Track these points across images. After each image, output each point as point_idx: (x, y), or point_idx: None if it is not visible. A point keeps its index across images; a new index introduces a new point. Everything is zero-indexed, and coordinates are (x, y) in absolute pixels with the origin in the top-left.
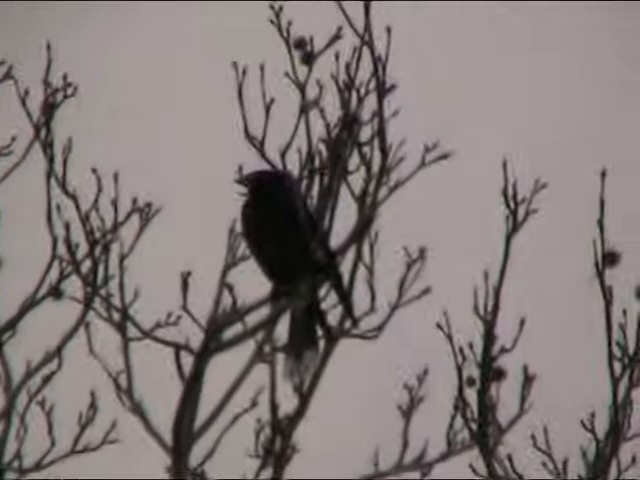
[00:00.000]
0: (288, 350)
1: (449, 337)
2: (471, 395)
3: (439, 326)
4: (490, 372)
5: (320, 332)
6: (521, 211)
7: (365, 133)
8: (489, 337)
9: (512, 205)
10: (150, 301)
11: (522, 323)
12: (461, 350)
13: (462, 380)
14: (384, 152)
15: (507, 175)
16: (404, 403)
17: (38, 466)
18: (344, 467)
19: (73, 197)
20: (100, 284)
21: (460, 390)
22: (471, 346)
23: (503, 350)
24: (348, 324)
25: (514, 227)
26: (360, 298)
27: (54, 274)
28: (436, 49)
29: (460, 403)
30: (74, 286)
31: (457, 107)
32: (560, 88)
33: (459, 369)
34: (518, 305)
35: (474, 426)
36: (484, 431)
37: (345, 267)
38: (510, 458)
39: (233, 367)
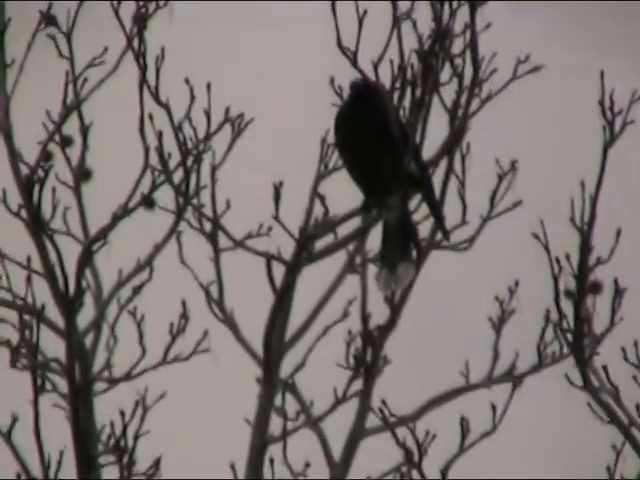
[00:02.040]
0: (382, 262)
1: (546, 247)
2: (567, 307)
3: (536, 236)
4: (586, 283)
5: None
6: (618, 122)
7: (457, 46)
8: (585, 248)
9: (609, 116)
10: (241, 212)
11: (618, 234)
12: (557, 260)
13: (559, 291)
14: (476, 64)
15: (604, 86)
16: (495, 315)
17: (128, 376)
18: (435, 379)
19: (166, 107)
20: (192, 194)
21: (557, 301)
22: (568, 257)
23: (599, 261)
24: (439, 236)
25: (611, 138)
26: (452, 210)
27: (146, 184)
28: None
29: (556, 314)
30: (166, 196)
31: (550, 19)
32: None
33: (555, 279)
34: (614, 216)
35: (570, 337)
36: (580, 342)
37: (437, 179)
38: (606, 369)
39: (324, 278)
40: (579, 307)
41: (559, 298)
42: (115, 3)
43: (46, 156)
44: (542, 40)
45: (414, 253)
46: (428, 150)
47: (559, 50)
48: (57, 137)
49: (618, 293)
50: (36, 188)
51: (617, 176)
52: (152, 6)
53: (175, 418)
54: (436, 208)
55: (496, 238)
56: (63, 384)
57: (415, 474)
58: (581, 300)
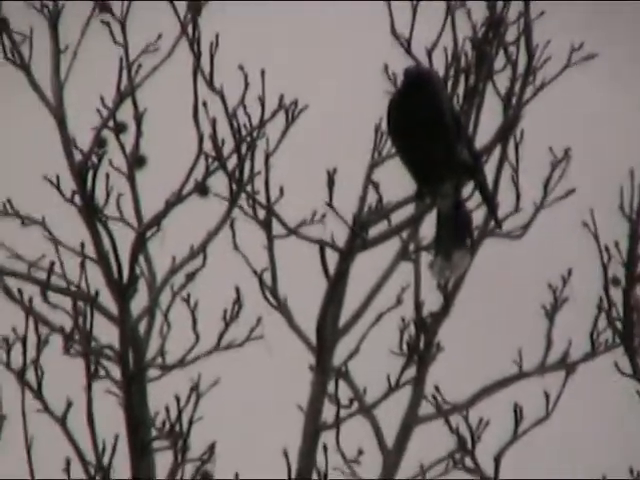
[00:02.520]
0: (436, 249)
1: (595, 236)
2: (616, 295)
3: (585, 224)
4: (635, 272)
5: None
6: None
7: (511, 33)
8: (634, 236)
9: None
10: (295, 199)
11: None
12: (607, 249)
13: (608, 279)
14: (530, 52)
15: None
16: (548, 303)
17: (182, 362)
18: (487, 367)
19: (220, 94)
20: (246, 181)
21: (606, 289)
22: (617, 245)
23: None
24: (492, 224)
25: None
26: (505, 198)
27: (200, 171)
28: None
29: (605, 302)
30: (220, 183)
31: (605, 5)
32: None
33: (604, 268)
34: None
35: (619, 326)
36: (629, 330)
37: (490, 167)
38: None
39: (378, 265)
40: (628, 296)
41: (608, 287)
42: None
43: (100, 142)
44: (594, 30)
45: (468, 241)
46: (482, 138)
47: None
48: (111, 123)
49: None
50: (90, 174)
51: None
52: None
53: (228, 405)
54: (489, 196)
55: (550, 226)
56: (116, 371)
57: (468, 461)
58: (630, 289)
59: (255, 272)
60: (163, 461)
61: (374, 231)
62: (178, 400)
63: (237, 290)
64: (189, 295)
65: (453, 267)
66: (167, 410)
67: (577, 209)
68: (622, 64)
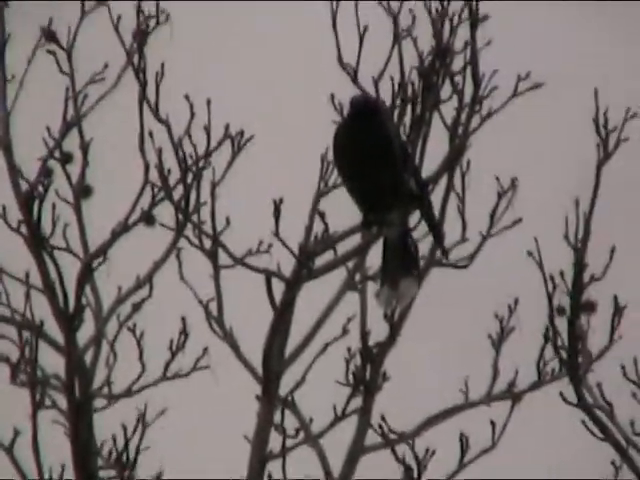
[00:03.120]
0: (383, 279)
1: (540, 265)
2: (562, 324)
3: (530, 254)
4: (581, 303)
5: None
6: (612, 139)
7: (458, 63)
8: (580, 265)
9: (603, 133)
10: (241, 229)
11: (612, 252)
12: (552, 278)
13: (553, 308)
14: (476, 82)
15: (598, 103)
16: (494, 333)
17: (128, 392)
18: (434, 396)
19: (166, 123)
20: (192, 211)
21: (551, 319)
22: (562, 274)
23: (593, 279)
24: (439, 253)
25: (605, 155)
26: (451, 228)
27: (146, 200)
28: None
29: (551, 332)
30: (166, 213)
31: (549, 38)
32: None
33: (550, 297)
34: (608, 234)
35: (564, 355)
36: (574, 360)
37: (436, 197)
38: (600, 386)
39: (324, 295)
40: (573, 325)
41: (554, 316)
42: (115, 19)
43: (46, 172)
44: (540, 52)
45: (415, 270)
46: (428, 167)
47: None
48: (57, 153)
49: (618, 311)
50: (36, 204)
51: (613, 193)
52: (152, 22)
53: (175, 434)
54: (435, 225)
55: (496, 255)
56: (63, 400)
57: None
58: (575, 318)
59: (201, 302)
60: None
61: (320, 261)
62: (125, 429)
63: (183, 320)
64: (135, 325)
65: (400, 296)
66: (114, 439)
67: (523, 238)
68: (569, 86)
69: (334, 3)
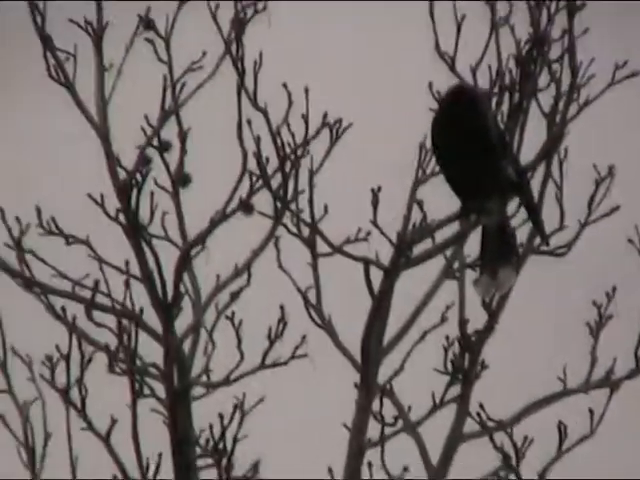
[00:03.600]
0: (482, 267)
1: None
2: None
3: (630, 241)
4: None
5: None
6: None
7: (555, 51)
8: None
9: None
10: (339, 217)
11: None
12: None
13: None
14: (574, 70)
15: None
16: (592, 320)
17: (227, 381)
18: (532, 384)
19: (264, 112)
20: (290, 199)
21: None
22: None
23: None
24: (538, 241)
25: None
26: (549, 215)
27: (244, 189)
28: None
29: None
30: (264, 201)
31: None
32: None
33: None
34: None
35: None
36: None
37: (534, 185)
38: None
39: (422, 283)
40: None
41: None
42: (213, 7)
43: (145, 161)
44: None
45: (514, 258)
46: (526, 155)
47: None
48: (155, 142)
49: None
50: (134, 193)
51: None
52: (250, 10)
53: (273, 423)
54: (535, 213)
55: (594, 243)
56: (161, 389)
57: (513, 478)
58: None
59: (299, 290)
60: (208, 479)
61: (418, 249)
62: (222, 418)
63: (282, 308)
64: (233, 313)
65: (499, 284)
66: (211, 428)
67: (622, 226)
68: None
69: None
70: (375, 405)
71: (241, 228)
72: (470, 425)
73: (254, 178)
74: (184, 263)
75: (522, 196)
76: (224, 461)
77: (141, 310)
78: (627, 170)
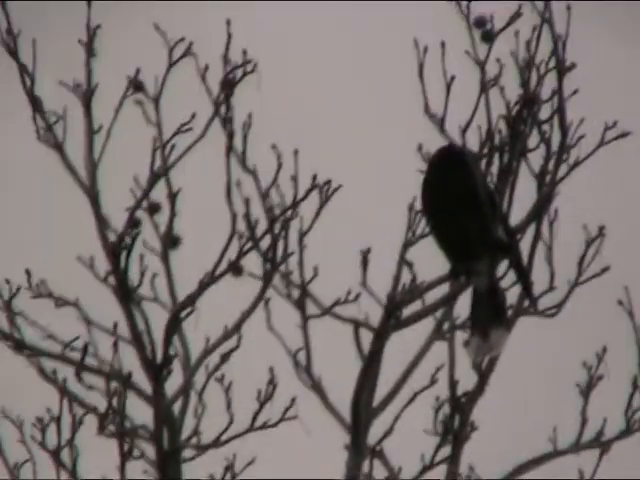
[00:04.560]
0: (472, 328)
1: (630, 313)
2: None
3: (620, 302)
4: None
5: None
6: None
7: (545, 111)
8: None
9: None
10: (329, 279)
11: None
12: None
13: None
14: (564, 130)
15: None
16: (583, 381)
17: (216, 442)
18: (522, 445)
19: (253, 173)
20: (280, 261)
21: None
22: None
23: None
24: (527, 303)
25: None
26: (539, 276)
27: (233, 251)
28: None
29: (639, 380)
30: (253, 263)
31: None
32: None
33: None
34: None
35: None
36: None
37: (524, 245)
38: None
39: (412, 345)
40: None
41: None
42: (202, 69)
43: (134, 223)
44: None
45: (504, 319)
46: (516, 216)
47: None
48: (145, 204)
49: None
50: (124, 255)
51: None
52: (240, 72)
53: None
54: (524, 275)
55: (584, 304)
56: (151, 450)
57: None
58: None
59: (289, 352)
60: None
61: (408, 310)
62: None
63: (271, 371)
64: (223, 375)
65: (491, 346)
66: None
67: (612, 287)
68: None
69: (421, 53)
70: (365, 467)
71: (231, 290)
72: None
73: (243, 240)
74: (174, 325)
75: (512, 257)
76: None
77: (130, 372)
78: (618, 231)
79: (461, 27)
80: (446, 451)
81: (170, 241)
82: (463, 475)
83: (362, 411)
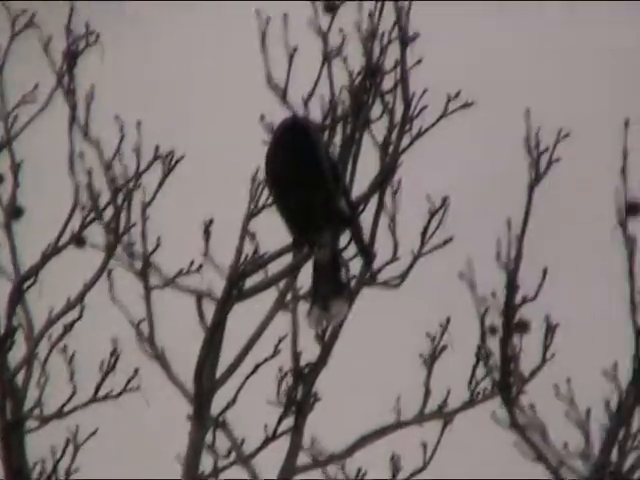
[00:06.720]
0: (313, 299)
1: (471, 285)
2: (494, 344)
3: (462, 275)
4: (513, 322)
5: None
6: (544, 160)
7: (388, 82)
8: (511, 286)
9: (534, 154)
10: (172, 250)
11: (545, 272)
12: (483, 299)
13: (484, 329)
14: (406, 101)
15: (530, 124)
16: (426, 352)
17: (59, 414)
18: (366, 416)
19: (96, 144)
20: (122, 232)
21: (482, 339)
22: (494, 295)
23: (525, 300)
24: (368, 273)
25: (536, 177)
26: (383, 247)
27: (76, 222)
28: None
29: (483, 351)
30: (96, 234)
31: (479, 55)
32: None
33: (482, 317)
34: (541, 255)
35: (496, 375)
36: (506, 380)
37: (368, 216)
38: (533, 407)
39: (255, 315)
40: (505, 345)
41: (485, 336)
42: (45, 40)
43: None
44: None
45: (346, 290)
46: (359, 187)
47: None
48: None
49: (550, 330)
50: None
51: (544, 213)
52: (82, 43)
53: (106, 456)
54: (365, 247)
55: (428, 275)
56: None
57: None
58: (507, 338)
59: (132, 323)
60: None
61: (251, 281)
62: (54, 453)
63: (114, 342)
64: (66, 346)
65: (331, 316)
66: (43, 462)
67: (455, 258)
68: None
69: (263, 23)
70: (208, 437)
71: (74, 261)
72: (304, 458)
73: (86, 211)
74: (17, 296)
75: (353, 229)
76: None
77: None
78: (461, 202)
79: None
80: (289, 422)
81: (13, 212)
82: (306, 446)
83: (205, 382)
